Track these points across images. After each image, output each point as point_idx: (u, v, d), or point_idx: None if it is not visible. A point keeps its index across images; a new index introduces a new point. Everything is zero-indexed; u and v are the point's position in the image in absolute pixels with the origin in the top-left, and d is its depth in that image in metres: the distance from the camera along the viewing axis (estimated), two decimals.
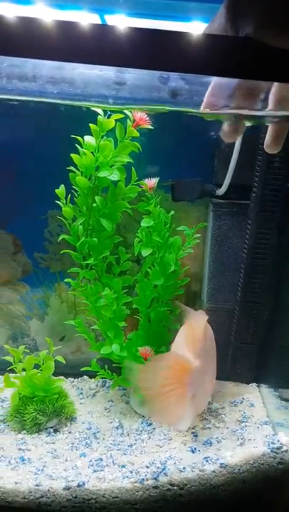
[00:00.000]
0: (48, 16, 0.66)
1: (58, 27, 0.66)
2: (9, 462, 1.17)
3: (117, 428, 1.36)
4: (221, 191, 1.43)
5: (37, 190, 1.55)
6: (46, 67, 0.77)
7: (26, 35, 0.65)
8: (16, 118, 1.46)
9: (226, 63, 0.69)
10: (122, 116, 1.23)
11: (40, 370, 1.37)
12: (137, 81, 0.79)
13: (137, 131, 1.26)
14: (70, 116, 1.36)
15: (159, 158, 1.49)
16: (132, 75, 0.78)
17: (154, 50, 0.69)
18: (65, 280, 1.46)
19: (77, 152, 1.29)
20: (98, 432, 1.35)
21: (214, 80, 0.76)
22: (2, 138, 1.49)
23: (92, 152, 1.28)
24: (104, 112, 1.23)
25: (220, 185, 1.44)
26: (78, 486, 1.05)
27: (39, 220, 1.59)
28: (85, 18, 0.60)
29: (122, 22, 0.62)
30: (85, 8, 1.17)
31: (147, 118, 1.21)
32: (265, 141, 0.79)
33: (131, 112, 1.22)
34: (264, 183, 1.34)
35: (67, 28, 0.65)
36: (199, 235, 1.38)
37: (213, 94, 0.76)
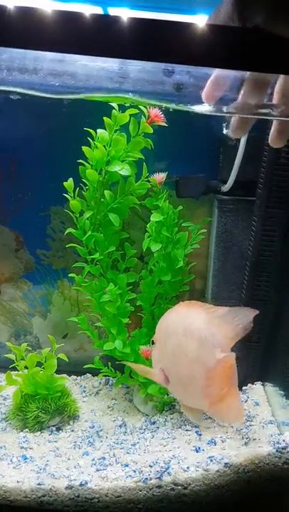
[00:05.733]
0: (50, 7, 0.64)
1: (60, 17, 0.64)
2: (11, 461, 1.16)
3: (120, 426, 1.35)
4: (226, 187, 1.42)
5: (38, 186, 1.54)
6: (47, 59, 0.76)
7: (27, 25, 0.64)
8: (18, 113, 1.44)
9: (233, 56, 0.67)
10: (136, 111, 1.22)
11: (43, 367, 1.36)
12: (141, 74, 0.78)
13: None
14: (72, 110, 1.35)
15: (163, 154, 1.47)
16: (136, 67, 0.77)
17: (156, 42, 0.67)
18: (70, 275, 1.45)
19: (81, 147, 1.28)
20: (101, 430, 1.34)
21: (216, 72, 0.74)
22: (3, 134, 1.47)
23: (104, 146, 1.27)
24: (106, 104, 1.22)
25: (225, 182, 1.42)
26: (81, 485, 1.04)
27: (41, 217, 1.58)
28: (88, 11, 0.59)
29: (125, 14, 0.60)
30: (88, 1, 1.15)
31: (162, 115, 1.20)
32: (270, 135, 0.77)
33: (146, 107, 1.21)
34: (270, 180, 1.32)
35: (68, 18, 0.63)
36: (205, 230, 1.36)
37: (214, 86, 0.74)
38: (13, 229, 1.60)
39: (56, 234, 1.58)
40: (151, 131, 1.25)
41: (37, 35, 0.66)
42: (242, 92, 0.75)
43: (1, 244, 1.60)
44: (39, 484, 1.04)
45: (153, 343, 1.19)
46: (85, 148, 1.27)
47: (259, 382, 1.53)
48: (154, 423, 1.36)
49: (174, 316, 1.17)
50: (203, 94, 0.75)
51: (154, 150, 1.34)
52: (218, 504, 1.06)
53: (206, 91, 0.74)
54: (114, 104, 1.20)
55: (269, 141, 0.77)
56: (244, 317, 1.10)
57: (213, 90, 0.74)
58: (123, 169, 1.26)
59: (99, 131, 1.26)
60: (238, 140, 1.35)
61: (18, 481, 1.05)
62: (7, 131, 1.48)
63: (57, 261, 1.62)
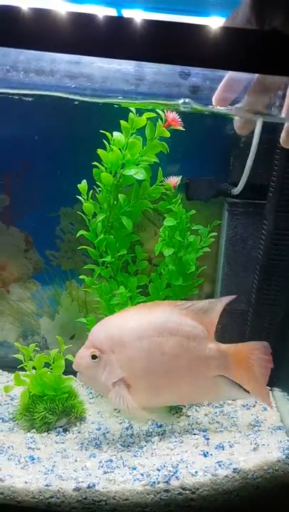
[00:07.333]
0: (64, 9, 0.64)
1: (74, 19, 0.64)
2: (19, 461, 1.16)
3: (126, 429, 1.35)
4: (237, 190, 1.41)
5: (48, 187, 1.54)
6: (64, 61, 0.76)
7: (41, 27, 0.64)
8: (28, 114, 1.44)
9: (251, 58, 0.67)
10: (153, 115, 1.22)
11: (51, 368, 1.36)
12: (157, 76, 0.77)
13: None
14: (84, 112, 1.35)
15: (173, 156, 1.47)
16: (152, 70, 0.77)
17: (172, 44, 0.67)
18: (80, 277, 1.45)
19: (92, 150, 1.28)
20: (108, 432, 1.33)
21: (228, 75, 0.74)
22: (14, 135, 1.48)
23: (119, 149, 1.26)
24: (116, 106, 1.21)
25: (235, 185, 1.41)
26: (88, 487, 1.03)
27: (51, 218, 1.58)
28: (102, 12, 0.60)
29: (139, 16, 0.60)
30: (102, 3, 1.15)
31: (179, 119, 1.20)
32: (281, 136, 0.76)
33: (163, 111, 1.21)
34: (281, 183, 1.31)
35: (82, 20, 0.63)
36: (215, 234, 1.36)
37: (226, 89, 0.74)
38: (23, 229, 1.60)
39: (65, 235, 1.59)
40: (168, 135, 1.25)
41: (51, 36, 0.66)
42: (249, 92, 0.74)
43: (11, 244, 1.61)
44: (47, 485, 1.03)
45: (95, 357, 1.17)
46: (100, 151, 1.27)
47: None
48: (160, 426, 1.35)
49: (134, 321, 1.17)
50: (214, 98, 0.74)
51: (164, 152, 1.34)
52: (226, 510, 1.05)
53: (218, 94, 0.74)
54: (131, 108, 1.20)
55: (281, 142, 0.77)
56: (218, 306, 1.15)
57: (225, 93, 0.74)
58: (138, 173, 1.26)
59: (115, 133, 1.26)
60: (250, 142, 1.34)
61: (26, 482, 1.04)
62: (18, 132, 1.48)
63: (66, 262, 1.62)
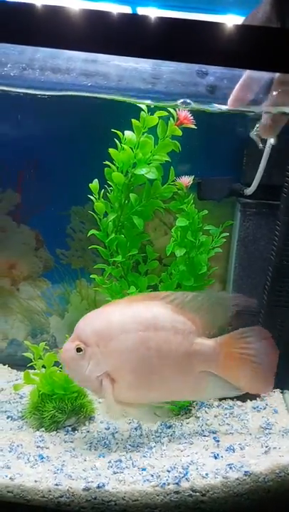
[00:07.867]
0: (79, 6, 0.64)
1: (89, 16, 0.64)
2: (28, 460, 1.16)
3: (135, 429, 1.34)
4: (250, 191, 1.40)
5: (59, 186, 1.54)
6: (80, 59, 0.75)
7: (56, 24, 0.63)
8: (40, 113, 1.44)
9: (272, 57, 0.66)
10: (165, 113, 1.21)
11: (60, 367, 1.36)
12: (174, 75, 0.76)
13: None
14: (96, 111, 1.34)
15: (185, 156, 1.46)
16: (169, 68, 0.76)
17: (188, 42, 0.66)
18: (91, 276, 1.45)
19: (104, 149, 1.27)
20: (116, 432, 1.33)
21: (246, 74, 0.73)
22: (25, 133, 1.48)
23: (131, 148, 1.26)
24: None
25: (249, 185, 1.40)
26: (98, 487, 1.03)
27: (61, 217, 1.58)
28: (117, 10, 0.59)
29: (154, 14, 0.59)
30: (117, 0, 1.15)
31: (192, 117, 1.19)
32: None
33: (175, 109, 1.19)
34: None
35: (98, 17, 0.63)
36: (227, 234, 1.34)
37: (243, 88, 0.73)
38: (34, 228, 1.60)
39: (76, 234, 1.58)
40: (181, 133, 1.24)
41: (65, 34, 0.65)
42: (272, 93, 0.74)
43: (21, 242, 1.61)
44: (56, 485, 1.03)
45: (80, 350, 1.15)
46: (111, 150, 1.26)
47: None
48: (170, 427, 1.34)
49: (120, 315, 1.15)
50: (231, 98, 0.73)
51: (176, 151, 1.33)
52: None
53: (235, 94, 0.73)
54: (143, 106, 1.19)
55: None
56: (212, 301, 1.13)
57: (242, 93, 0.73)
58: (150, 173, 1.25)
59: (126, 132, 1.25)
60: (264, 142, 1.32)
61: (35, 481, 1.04)
62: (29, 131, 1.48)
63: (76, 260, 1.62)
